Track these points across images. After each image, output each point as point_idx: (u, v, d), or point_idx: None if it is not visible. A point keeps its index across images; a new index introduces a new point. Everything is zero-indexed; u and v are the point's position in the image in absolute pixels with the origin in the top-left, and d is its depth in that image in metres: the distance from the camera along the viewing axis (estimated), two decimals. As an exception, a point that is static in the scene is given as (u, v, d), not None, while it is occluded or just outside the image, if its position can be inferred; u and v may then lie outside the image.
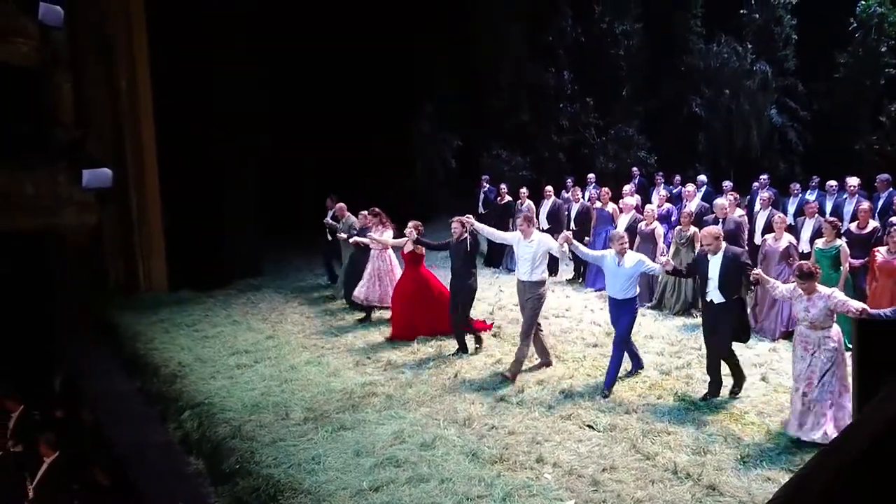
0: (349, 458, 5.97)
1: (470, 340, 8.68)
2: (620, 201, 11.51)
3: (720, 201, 10.19)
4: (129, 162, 12.70)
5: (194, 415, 7.20)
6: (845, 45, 18.32)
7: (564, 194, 14.67)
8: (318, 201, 12.73)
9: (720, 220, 9.73)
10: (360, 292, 10.12)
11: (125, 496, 7.28)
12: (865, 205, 9.33)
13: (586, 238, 11.85)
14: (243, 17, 13.39)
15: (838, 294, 5.97)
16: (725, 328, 6.76)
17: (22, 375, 10.21)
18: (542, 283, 7.74)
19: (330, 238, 12.00)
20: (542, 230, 11.69)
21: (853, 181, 10.60)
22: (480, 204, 14.26)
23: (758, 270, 6.55)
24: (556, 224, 12.21)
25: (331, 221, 11.64)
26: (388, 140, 17.02)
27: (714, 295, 6.77)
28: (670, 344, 8.72)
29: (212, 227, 12.71)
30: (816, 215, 9.86)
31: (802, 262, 6.13)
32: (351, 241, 10.41)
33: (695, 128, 19.10)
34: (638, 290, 7.35)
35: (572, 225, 12.21)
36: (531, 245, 7.71)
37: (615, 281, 7.26)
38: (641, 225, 10.50)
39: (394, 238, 9.79)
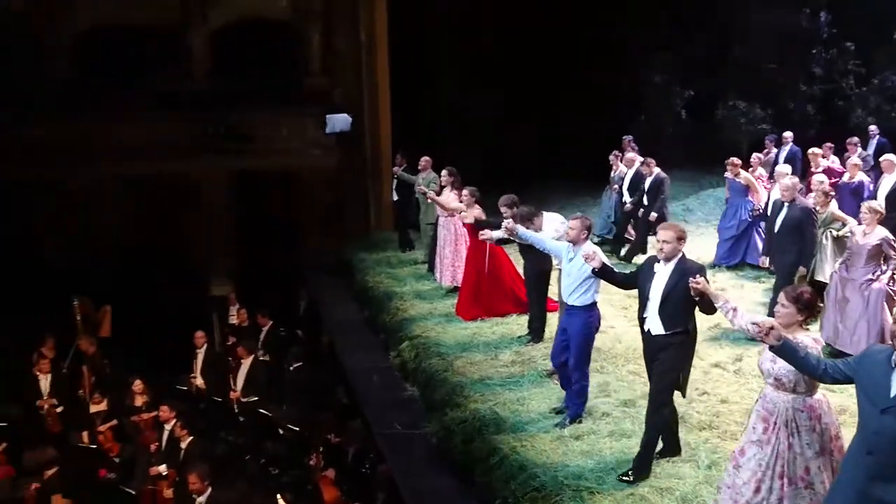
0: (552, 404, 6.09)
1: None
2: (776, 171, 9.37)
3: (786, 181, 7.63)
4: (366, 110, 13.70)
5: (412, 346, 7.75)
6: None
7: (772, 150, 12.49)
8: (542, 154, 12.71)
9: (784, 204, 7.42)
10: (446, 277, 9.05)
11: (354, 414, 8.13)
12: None
13: (653, 215, 10.10)
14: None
15: (805, 339, 3.86)
16: (663, 369, 4.86)
17: (272, 297, 11.66)
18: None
19: (396, 197, 11.30)
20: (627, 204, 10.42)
21: None
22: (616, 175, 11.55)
23: (700, 279, 4.46)
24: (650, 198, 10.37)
25: (401, 172, 10.71)
26: (614, 92, 16.46)
27: (651, 322, 4.86)
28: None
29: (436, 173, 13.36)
30: None
31: (803, 288, 4.16)
32: (418, 189, 9.10)
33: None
34: (597, 297, 5.74)
35: (626, 197, 10.45)
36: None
37: (565, 280, 5.77)
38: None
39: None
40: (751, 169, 10.45)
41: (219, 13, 13.80)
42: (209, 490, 6.59)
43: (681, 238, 4.84)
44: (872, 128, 13.09)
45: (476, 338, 7.69)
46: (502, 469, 5.25)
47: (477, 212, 8.06)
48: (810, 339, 3.92)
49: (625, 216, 10.87)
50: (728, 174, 10.31)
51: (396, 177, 11.05)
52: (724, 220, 10.26)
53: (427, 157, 10.38)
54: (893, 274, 6.79)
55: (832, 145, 11.33)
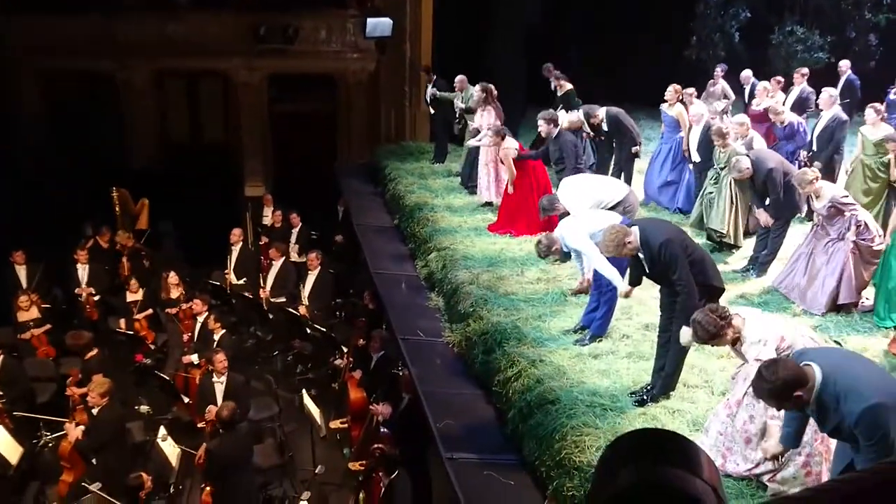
0: (574, 323, 6.18)
1: None
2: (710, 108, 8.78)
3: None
4: (408, 16, 13.34)
5: (440, 257, 7.82)
6: None
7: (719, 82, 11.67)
8: (586, 76, 12.30)
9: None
10: (485, 194, 9.05)
11: (378, 317, 8.34)
12: None
13: (634, 149, 9.09)
14: None
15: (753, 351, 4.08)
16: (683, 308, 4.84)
17: (308, 201, 11.79)
18: None
19: (432, 109, 11.06)
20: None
21: None
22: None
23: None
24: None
25: (441, 94, 10.52)
26: (665, 12, 15.73)
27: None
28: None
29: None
30: None
31: (696, 317, 4.19)
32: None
33: None
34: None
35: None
36: None
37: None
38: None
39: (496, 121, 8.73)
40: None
41: None
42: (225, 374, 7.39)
43: None
44: (843, 63, 11.90)
45: (504, 253, 7.74)
46: (519, 381, 5.38)
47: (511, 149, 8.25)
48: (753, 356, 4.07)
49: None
50: (664, 105, 9.01)
51: (431, 96, 10.93)
52: (656, 160, 9.10)
53: (462, 76, 10.22)
54: (857, 228, 6.20)
55: (782, 80, 10.65)
